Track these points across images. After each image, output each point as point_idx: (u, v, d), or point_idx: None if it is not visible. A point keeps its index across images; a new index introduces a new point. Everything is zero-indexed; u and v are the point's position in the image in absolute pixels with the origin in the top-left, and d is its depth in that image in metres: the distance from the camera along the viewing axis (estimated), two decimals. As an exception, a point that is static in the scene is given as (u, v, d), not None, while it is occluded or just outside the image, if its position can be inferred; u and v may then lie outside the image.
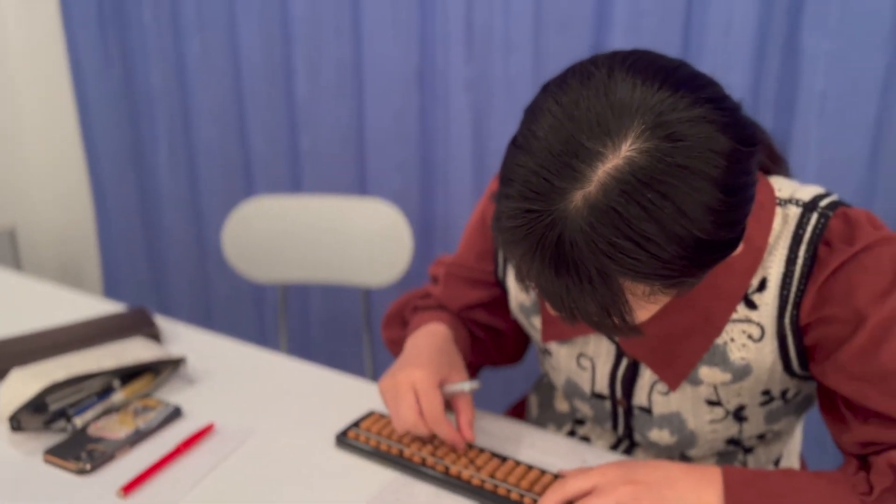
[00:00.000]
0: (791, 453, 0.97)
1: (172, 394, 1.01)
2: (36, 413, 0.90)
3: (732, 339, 0.77)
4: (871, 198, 1.32)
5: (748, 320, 0.76)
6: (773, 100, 1.35)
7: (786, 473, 0.72)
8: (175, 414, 0.94)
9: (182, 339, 1.17)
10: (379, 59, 1.67)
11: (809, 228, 0.73)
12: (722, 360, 0.78)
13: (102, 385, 0.96)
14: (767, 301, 0.75)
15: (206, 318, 2.19)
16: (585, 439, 0.98)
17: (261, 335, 2.13)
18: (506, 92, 1.56)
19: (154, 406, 0.95)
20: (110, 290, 2.32)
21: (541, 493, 0.78)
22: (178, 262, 2.18)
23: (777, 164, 0.83)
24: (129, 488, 0.81)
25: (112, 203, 2.22)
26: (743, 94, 1.35)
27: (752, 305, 0.75)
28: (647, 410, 0.87)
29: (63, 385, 0.92)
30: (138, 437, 0.89)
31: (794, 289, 0.73)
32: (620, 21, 1.41)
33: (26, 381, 0.90)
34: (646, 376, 0.84)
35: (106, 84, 2.09)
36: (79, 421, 0.91)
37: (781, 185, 0.77)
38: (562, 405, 1.03)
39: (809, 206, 0.74)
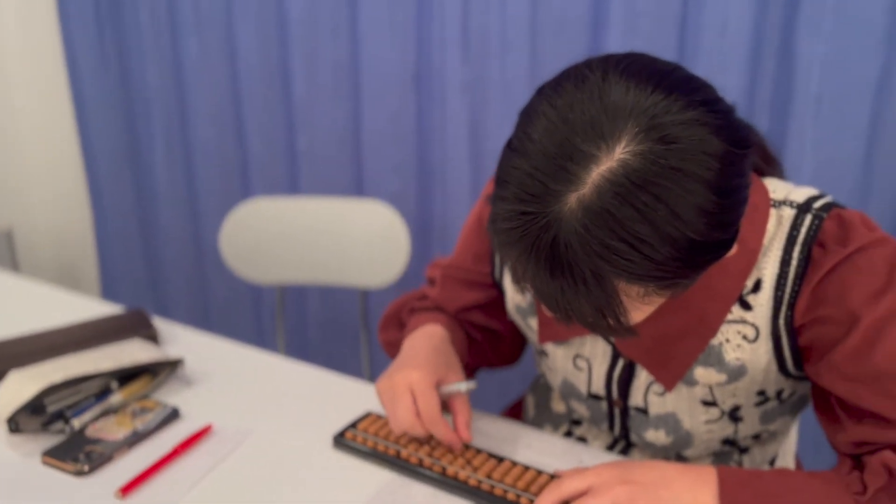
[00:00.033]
0: (786, 453, 0.97)
1: (170, 395, 1.01)
2: (34, 415, 0.90)
3: (727, 340, 0.78)
4: (865, 199, 1.33)
5: (743, 321, 0.76)
6: (768, 102, 1.36)
7: (780, 473, 0.73)
8: (173, 415, 0.95)
9: (180, 340, 1.17)
10: (376, 61, 1.68)
11: (803, 230, 0.73)
12: (717, 361, 0.79)
13: (100, 386, 0.96)
14: (762, 302, 0.75)
15: (204, 319, 2.19)
16: (582, 440, 0.99)
17: (258, 336, 2.13)
18: (502, 93, 1.57)
19: (152, 407, 0.96)
20: (108, 292, 2.32)
21: (537, 494, 0.79)
22: (176, 262, 2.18)
23: (771, 166, 0.84)
24: (127, 489, 0.81)
25: (109, 204, 2.22)
26: (738, 96, 1.36)
27: (746, 306, 0.76)
28: (644, 411, 0.87)
29: (61, 387, 0.92)
30: (136, 439, 0.90)
31: (788, 290, 0.74)
32: (616, 23, 1.41)
33: (24, 383, 0.90)
34: (642, 377, 0.85)
35: (103, 84, 2.09)
36: (77, 422, 0.91)
37: (776, 187, 0.77)
38: (558, 406, 1.04)
39: (803, 208, 0.74)
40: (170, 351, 1.12)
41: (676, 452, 0.91)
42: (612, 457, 0.92)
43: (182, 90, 1.97)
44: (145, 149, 2.10)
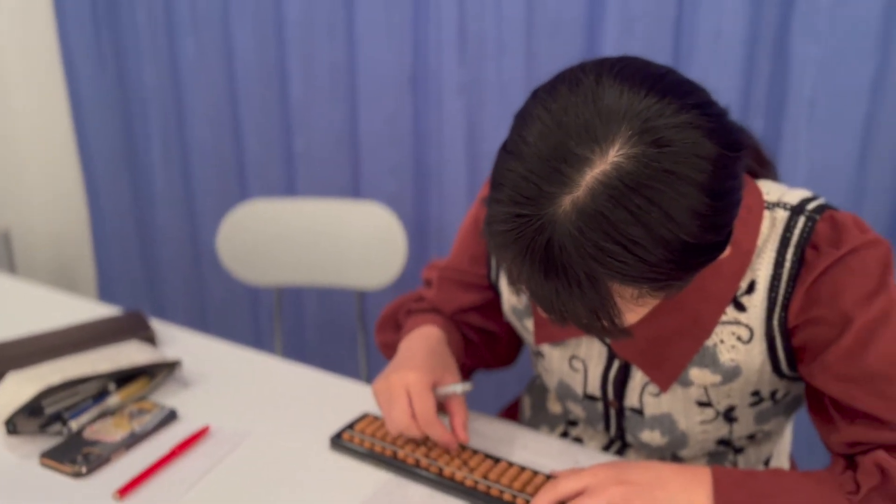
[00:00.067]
0: (781, 453, 0.98)
1: (168, 397, 1.01)
2: (32, 416, 0.91)
3: (722, 341, 0.78)
4: (860, 200, 1.34)
5: (737, 322, 0.77)
6: (763, 104, 1.36)
7: (774, 473, 0.73)
8: (170, 417, 0.95)
9: (177, 342, 1.17)
10: (372, 63, 1.68)
11: (797, 231, 0.74)
12: (712, 362, 0.79)
13: (98, 388, 0.97)
14: (756, 303, 0.76)
15: (201, 320, 2.19)
16: (578, 440, 0.99)
17: (255, 337, 2.13)
18: (498, 95, 1.57)
19: (149, 409, 0.96)
20: (105, 293, 2.32)
21: (533, 494, 0.79)
22: (173, 263, 2.18)
23: (765, 168, 0.84)
24: (124, 491, 0.81)
25: (106, 205, 2.22)
26: (733, 98, 1.36)
27: (741, 307, 0.76)
28: (639, 412, 0.88)
29: (59, 388, 0.92)
30: (134, 440, 0.90)
31: (782, 291, 0.74)
32: (612, 25, 1.42)
33: (22, 385, 0.90)
34: (637, 378, 0.85)
35: (99, 85, 2.09)
36: (74, 424, 0.91)
37: (769, 189, 0.78)
38: (555, 407, 1.04)
39: (797, 210, 0.75)
40: (167, 353, 1.12)
41: (672, 453, 0.92)
42: (608, 457, 0.92)
43: (179, 91, 1.98)
44: (142, 150, 2.11)
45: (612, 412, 0.91)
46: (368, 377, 1.71)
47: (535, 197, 0.58)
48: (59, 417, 0.92)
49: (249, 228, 1.62)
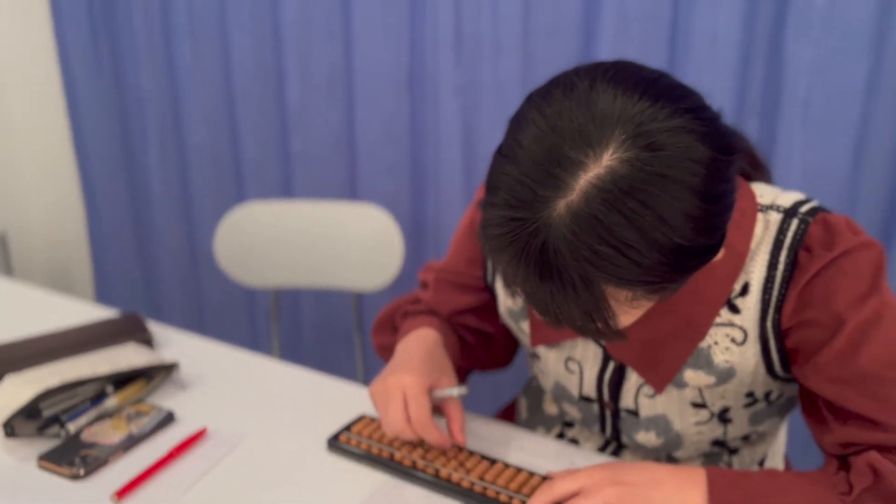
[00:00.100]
0: (775, 454, 0.99)
1: (165, 399, 1.02)
2: (29, 419, 0.91)
3: (716, 343, 0.79)
4: (854, 201, 1.34)
5: (731, 324, 0.77)
6: (757, 105, 1.37)
7: (768, 474, 0.74)
8: (168, 419, 0.95)
9: (174, 344, 1.18)
10: (369, 63, 1.69)
11: (790, 234, 0.74)
12: (706, 363, 0.80)
13: (95, 391, 0.97)
14: (750, 305, 0.76)
15: (199, 322, 2.19)
16: (574, 441, 1.00)
17: (253, 339, 2.13)
18: (495, 96, 1.58)
19: (147, 411, 0.96)
20: (102, 295, 2.32)
21: (529, 495, 0.80)
22: (170, 265, 2.18)
23: (759, 171, 0.85)
24: (122, 493, 0.81)
25: (103, 207, 2.22)
26: (728, 99, 1.37)
27: (734, 309, 0.77)
28: (634, 413, 0.88)
29: (56, 391, 0.92)
30: (131, 443, 0.90)
31: (775, 293, 0.75)
32: (608, 27, 1.42)
33: (20, 388, 0.90)
34: (632, 379, 0.86)
35: (97, 87, 2.09)
36: (72, 426, 0.92)
37: (763, 192, 0.78)
38: (551, 408, 1.05)
39: (790, 212, 0.76)
40: (164, 355, 1.13)
41: (667, 454, 0.92)
42: (604, 458, 0.93)
43: (176, 92, 1.98)
44: (139, 151, 2.11)
45: (608, 413, 0.91)
46: (365, 378, 1.72)
47: (530, 200, 0.58)
48: (56, 420, 0.92)
49: (246, 230, 1.62)
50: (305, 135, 1.83)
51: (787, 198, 0.77)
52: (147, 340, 1.14)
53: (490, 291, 0.97)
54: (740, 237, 0.75)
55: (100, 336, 1.12)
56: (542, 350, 0.92)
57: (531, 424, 1.07)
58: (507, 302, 0.93)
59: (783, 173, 1.35)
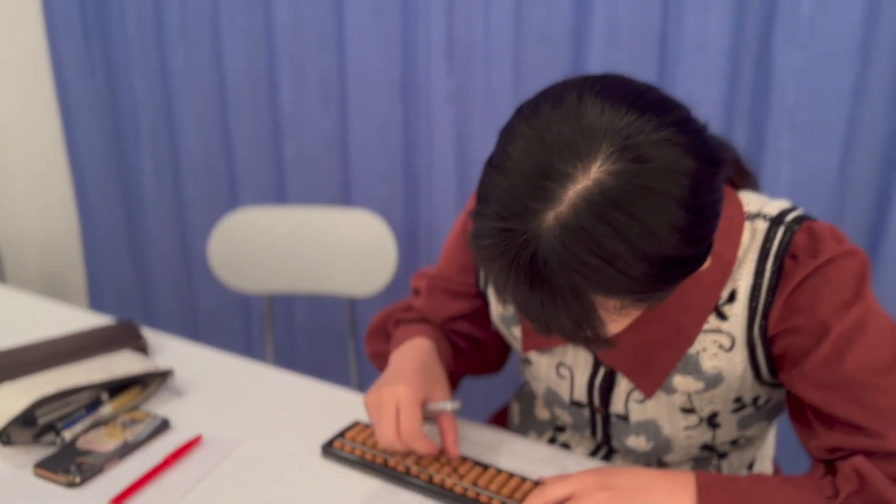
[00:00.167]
0: (764, 458, 1.00)
1: (160, 406, 1.02)
2: (25, 427, 0.91)
3: (704, 349, 0.80)
4: (841, 206, 1.36)
5: (719, 331, 0.79)
6: (746, 112, 1.39)
7: (756, 478, 0.75)
8: (163, 426, 0.96)
9: (169, 351, 1.18)
10: (362, 70, 1.69)
11: (776, 242, 0.76)
12: (695, 369, 0.81)
13: (91, 398, 0.98)
14: (737, 312, 0.77)
15: (192, 327, 2.19)
16: (566, 446, 1.01)
17: (247, 345, 2.14)
18: (487, 103, 1.59)
19: (142, 418, 0.97)
20: (96, 302, 2.32)
21: (522, 500, 0.81)
22: (164, 272, 2.18)
23: (746, 180, 0.86)
24: (118, 500, 0.82)
25: (97, 214, 2.22)
26: (717, 106, 1.38)
27: (722, 316, 0.78)
28: (624, 418, 0.89)
29: (52, 399, 0.93)
30: (127, 450, 0.91)
31: (762, 300, 0.76)
32: (598, 35, 1.43)
33: (15, 396, 0.91)
34: (622, 385, 0.87)
35: (90, 94, 2.10)
36: (68, 434, 0.92)
37: (750, 200, 0.80)
38: (542, 413, 1.06)
39: (776, 221, 0.77)
40: (159, 362, 1.13)
41: (657, 458, 0.93)
42: (595, 463, 0.94)
43: (169, 99, 1.98)
44: (132, 158, 2.11)
45: (599, 418, 0.92)
46: (359, 384, 1.72)
47: (520, 212, 0.59)
48: (52, 427, 0.93)
49: (240, 236, 1.63)
50: (299, 140, 1.83)
51: (774, 206, 0.79)
52: (142, 348, 1.14)
53: (482, 298, 0.98)
54: (727, 245, 0.76)
55: (95, 343, 1.12)
56: (533, 355, 0.93)
57: (523, 429, 1.08)
58: (498, 308, 0.94)
59: (771, 178, 1.37)
